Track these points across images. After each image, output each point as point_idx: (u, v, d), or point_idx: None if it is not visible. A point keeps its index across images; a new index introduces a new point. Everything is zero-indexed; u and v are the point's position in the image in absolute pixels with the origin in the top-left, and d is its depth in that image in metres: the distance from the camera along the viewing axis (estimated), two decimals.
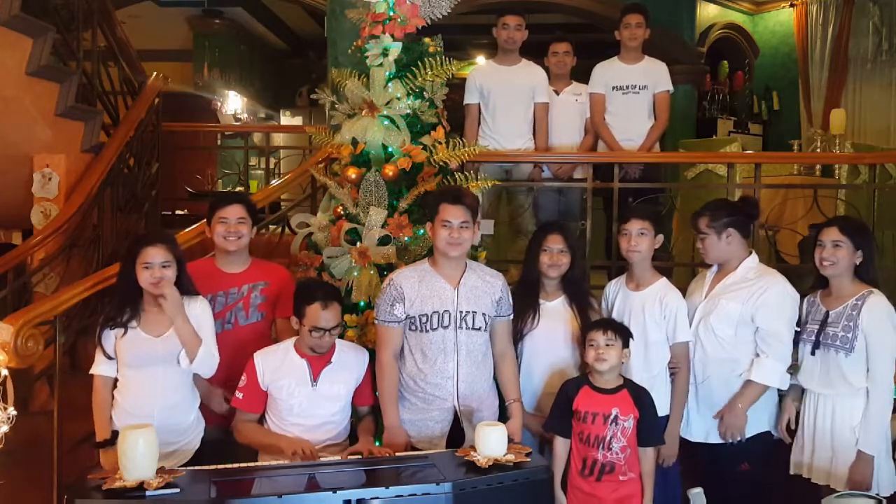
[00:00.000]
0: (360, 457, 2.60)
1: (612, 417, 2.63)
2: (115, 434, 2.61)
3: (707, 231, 2.96)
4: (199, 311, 2.74)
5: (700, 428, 3.00)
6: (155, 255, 2.63)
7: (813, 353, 2.85)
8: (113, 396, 2.71)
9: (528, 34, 4.48)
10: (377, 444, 2.76)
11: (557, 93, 4.64)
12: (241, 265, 3.06)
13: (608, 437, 2.63)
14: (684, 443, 3.00)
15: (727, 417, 2.90)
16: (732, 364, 2.92)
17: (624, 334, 2.71)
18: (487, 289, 2.80)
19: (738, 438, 2.89)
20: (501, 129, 4.47)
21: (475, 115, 4.54)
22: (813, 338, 2.84)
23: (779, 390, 2.96)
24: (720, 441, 2.96)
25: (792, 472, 2.92)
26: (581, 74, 4.71)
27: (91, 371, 2.72)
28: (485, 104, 4.52)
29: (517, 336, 2.97)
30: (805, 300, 2.96)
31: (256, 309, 3.04)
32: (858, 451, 2.74)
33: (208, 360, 2.70)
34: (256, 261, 3.14)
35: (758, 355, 2.90)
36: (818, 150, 6.18)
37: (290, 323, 2.79)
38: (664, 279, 3.04)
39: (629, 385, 2.70)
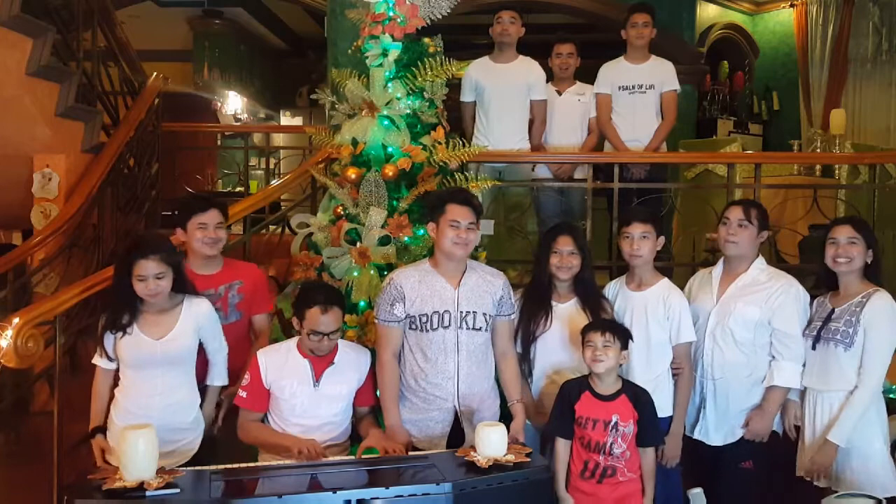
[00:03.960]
0: (373, 454, 2.60)
1: (612, 424, 2.62)
2: (100, 427, 2.70)
3: (753, 223, 2.97)
4: (207, 313, 2.76)
5: (719, 432, 2.99)
6: (148, 268, 2.61)
7: (814, 348, 2.86)
8: (114, 395, 2.72)
9: (524, 31, 4.45)
10: None
11: (560, 93, 4.61)
12: (216, 267, 3.06)
13: (609, 443, 2.62)
14: (687, 441, 3.00)
15: (755, 423, 2.91)
16: (750, 367, 2.93)
17: (623, 336, 2.69)
18: (488, 288, 2.80)
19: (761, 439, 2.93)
20: (495, 128, 4.42)
21: (471, 113, 4.50)
22: (815, 333, 2.85)
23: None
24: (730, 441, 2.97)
25: (798, 474, 2.91)
26: (582, 74, 4.68)
27: (93, 361, 2.74)
28: (480, 101, 4.47)
29: (530, 338, 2.96)
30: (815, 301, 2.97)
31: (235, 308, 3.04)
32: (826, 439, 2.75)
33: (223, 373, 2.87)
34: (228, 261, 3.15)
35: (773, 357, 2.92)
36: (818, 150, 6.19)
37: (267, 319, 2.81)
38: (666, 279, 3.04)
39: (627, 388, 2.69)
